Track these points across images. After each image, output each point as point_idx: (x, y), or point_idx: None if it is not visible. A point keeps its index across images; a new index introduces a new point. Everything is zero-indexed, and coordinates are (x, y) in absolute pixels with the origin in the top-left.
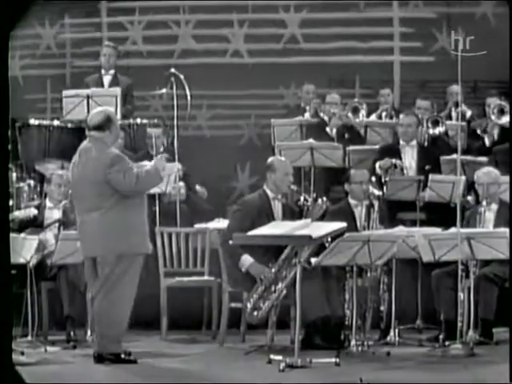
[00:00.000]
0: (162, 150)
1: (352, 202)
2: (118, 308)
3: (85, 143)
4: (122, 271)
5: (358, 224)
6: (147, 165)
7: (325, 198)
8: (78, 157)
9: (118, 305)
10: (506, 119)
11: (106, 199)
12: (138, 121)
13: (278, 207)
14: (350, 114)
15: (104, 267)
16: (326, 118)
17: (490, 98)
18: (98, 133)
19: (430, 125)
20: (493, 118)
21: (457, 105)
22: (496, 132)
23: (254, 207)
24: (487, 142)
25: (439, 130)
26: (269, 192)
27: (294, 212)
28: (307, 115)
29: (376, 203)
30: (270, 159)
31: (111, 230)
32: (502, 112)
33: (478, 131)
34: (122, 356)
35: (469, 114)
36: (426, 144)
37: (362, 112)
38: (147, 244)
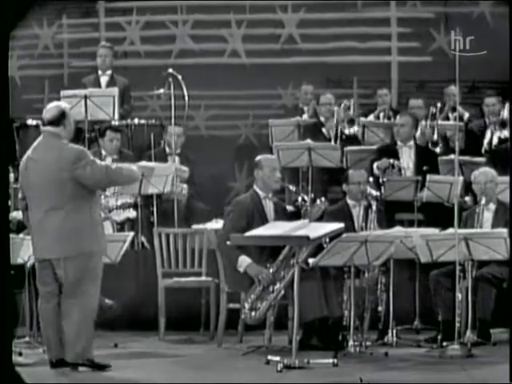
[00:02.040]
0: (179, 150)
1: (350, 202)
2: (89, 310)
3: (40, 140)
4: (88, 271)
5: (356, 225)
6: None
7: (323, 199)
8: (33, 153)
9: (89, 307)
10: (505, 133)
11: (69, 198)
12: (136, 121)
13: (269, 206)
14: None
15: (68, 270)
16: (322, 119)
17: (487, 99)
18: (52, 128)
19: (346, 124)
20: (492, 130)
21: (454, 109)
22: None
23: (247, 207)
24: (485, 144)
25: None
26: (259, 191)
27: (285, 211)
28: (305, 116)
29: (374, 204)
30: (257, 158)
31: (74, 231)
32: (503, 125)
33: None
34: (96, 361)
35: (466, 116)
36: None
37: (356, 125)
38: (105, 242)
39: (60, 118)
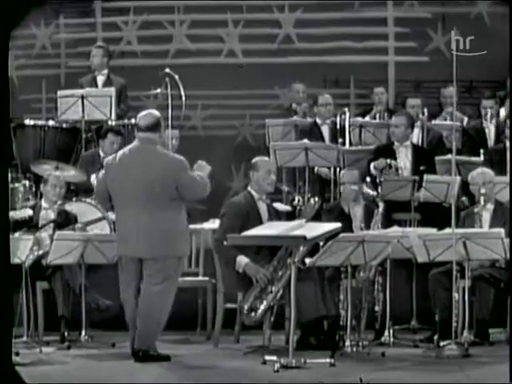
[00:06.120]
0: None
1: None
2: (168, 307)
3: (135, 144)
4: (174, 273)
5: (354, 225)
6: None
7: (317, 198)
8: (128, 157)
9: (168, 304)
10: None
11: (172, 200)
12: (133, 121)
13: (263, 208)
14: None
15: (158, 269)
16: (318, 121)
17: (485, 101)
18: (151, 134)
19: None
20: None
21: (451, 115)
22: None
23: (242, 208)
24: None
25: None
26: (253, 192)
27: (277, 213)
28: (296, 117)
29: (381, 206)
30: (254, 159)
31: (174, 233)
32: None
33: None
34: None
35: (465, 120)
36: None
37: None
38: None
39: (157, 125)
